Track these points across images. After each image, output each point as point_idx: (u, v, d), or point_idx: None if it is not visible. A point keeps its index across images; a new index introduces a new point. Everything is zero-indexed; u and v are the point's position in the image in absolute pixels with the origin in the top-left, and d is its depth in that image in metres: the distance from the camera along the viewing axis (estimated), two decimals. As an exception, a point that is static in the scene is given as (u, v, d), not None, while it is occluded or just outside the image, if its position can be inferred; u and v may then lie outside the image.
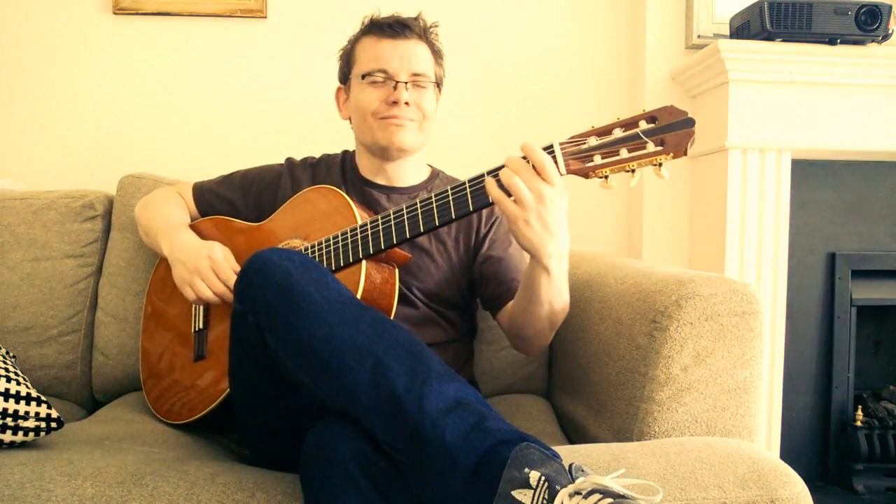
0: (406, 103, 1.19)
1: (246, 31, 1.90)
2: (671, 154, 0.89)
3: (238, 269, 1.14)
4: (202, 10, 1.87)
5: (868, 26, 1.67)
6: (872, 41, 1.70)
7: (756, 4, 1.69)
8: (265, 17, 1.89)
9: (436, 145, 1.75)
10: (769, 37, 1.68)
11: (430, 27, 1.26)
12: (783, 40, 1.69)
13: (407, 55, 1.20)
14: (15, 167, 1.85)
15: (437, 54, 1.27)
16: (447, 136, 1.92)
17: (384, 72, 1.20)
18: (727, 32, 1.83)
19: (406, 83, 1.19)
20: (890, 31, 1.69)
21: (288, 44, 1.90)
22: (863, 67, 1.72)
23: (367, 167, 1.30)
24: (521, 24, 1.96)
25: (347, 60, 1.28)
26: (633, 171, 0.91)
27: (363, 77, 1.22)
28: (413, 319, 1.20)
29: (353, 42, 1.27)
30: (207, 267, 1.16)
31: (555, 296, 1.01)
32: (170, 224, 1.29)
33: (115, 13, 1.85)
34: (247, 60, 1.90)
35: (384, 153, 1.24)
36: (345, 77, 1.29)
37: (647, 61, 1.90)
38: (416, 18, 1.23)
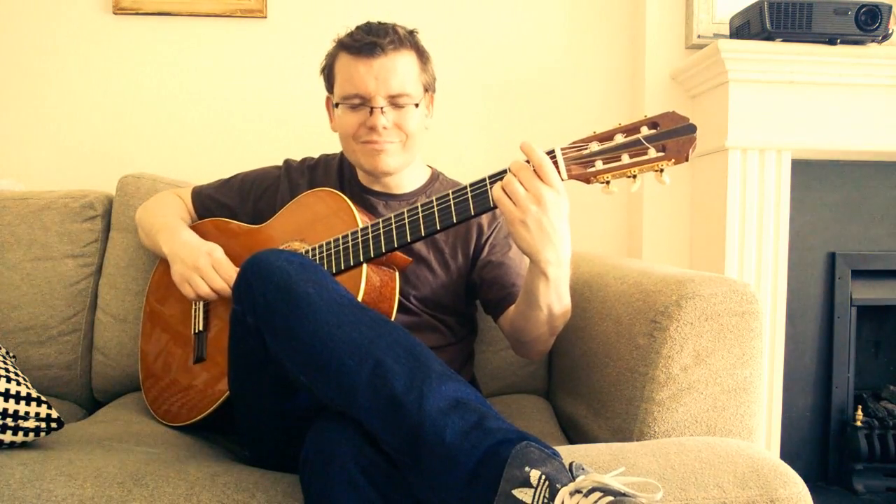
0: (385, 127, 1.14)
1: (246, 31, 1.90)
2: (673, 160, 0.88)
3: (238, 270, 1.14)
4: (202, 10, 1.87)
5: (868, 26, 1.67)
6: (872, 41, 1.70)
7: (756, 4, 1.69)
8: (265, 17, 1.89)
9: (435, 147, 1.76)
10: (769, 37, 1.68)
11: (410, 32, 1.19)
12: (783, 40, 1.69)
13: (383, 75, 1.13)
14: (15, 167, 1.85)
15: (422, 58, 1.20)
16: (446, 138, 1.92)
17: (360, 96, 1.14)
18: (727, 32, 1.83)
19: (382, 108, 1.14)
20: (890, 31, 1.69)
21: (288, 44, 1.90)
22: (863, 67, 1.72)
23: (363, 175, 1.29)
24: (521, 24, 1.96)
25: (328, 77, 1.23)
26: (634, 176, 0.91)
27: (341, 100, 1.17)
28: (411, 325, 1.19)
29: (332, 59, 1.21)
30: (208, 264, 1.16)
31: (554, 301, 1.00)
32: (170, 224, 1.29)
33: (115, 13, 1.85)
34: (247, 60, 1.90)
35: (371, 175, 1.23)
36: (329, 92, 1.25)
37: (647, 61, 1.90)
38: (390, 28, 1.16)
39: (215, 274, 1.16)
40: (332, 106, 1.24)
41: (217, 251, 1.19)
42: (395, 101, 1.15)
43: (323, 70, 1.24)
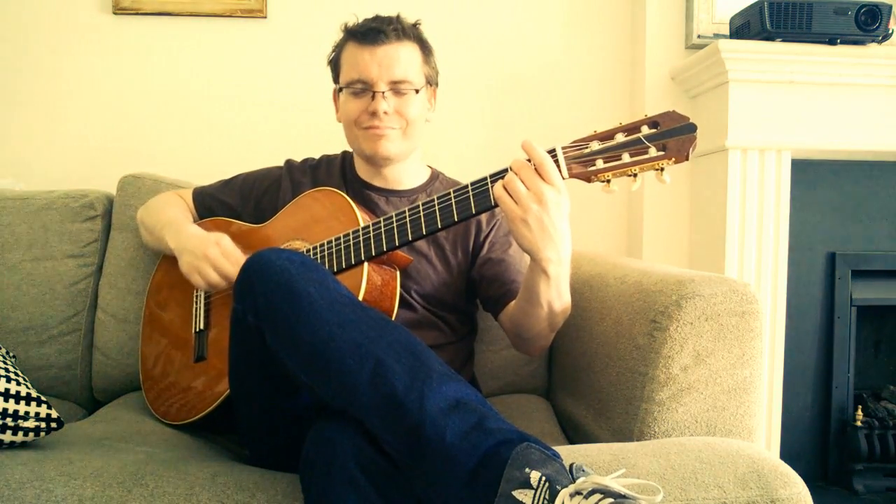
0: (385, 112, 1.17)
1: (246, 31, 1.90)
2: (673, 159, 0.89)
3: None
4: (202, 10, 1.87)
5: (868, 26, 1.67)
6: (872, 41, 1.70)
7: (756, 4, 1.69)
8: (265, 17, 1.89)
9: (436, 144, 1.76)
10: (769, 37, 1.68)
11: (414, 24, 1.23)
12: (783, 40, 1.69)
13: (386, 62, 1.17)
14: (15, 167, 1.85)
15: (424, 50, 1.24)
16: (446, 137, 1.92)
17: (363, 81, 1.18)
18: (727, 32, 1.83)
19: (384, 92, 1.17)
20: (890, 31, 1.69)
21: (288, 44, 1.90)
22: (863, 67, 1.72)
23: (364, 170, 1.30)
24: (521, 24, 1.96)
25: (334, 67, 1.27)
26: (634, 175, 0.92)
27: (345, 87, 1.21)
28: (412, 322, 1.20)
29: (338, 49, 1.26)
30: (217, 252, 1.16)
31: (554, 298, 1.00)
32: (175, 219, 1.30)
33: (115, 13, 1.85)
34: (247, 60, 1.90)
35: (372, 161, 1.25)
36: (335, 83, 1.28)
37: (646, 61, 1.90)
38: (394, 18, 1.20)
39: (225, 261, 1.15)
40: (337, 95, 1.27)
41: (225, 240, 1.18)
42: (396, 88, 1.19)
43: (330, 61, 1.28)
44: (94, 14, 1.86)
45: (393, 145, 1.21)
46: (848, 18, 1.67)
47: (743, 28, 1.75)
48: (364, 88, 1.19)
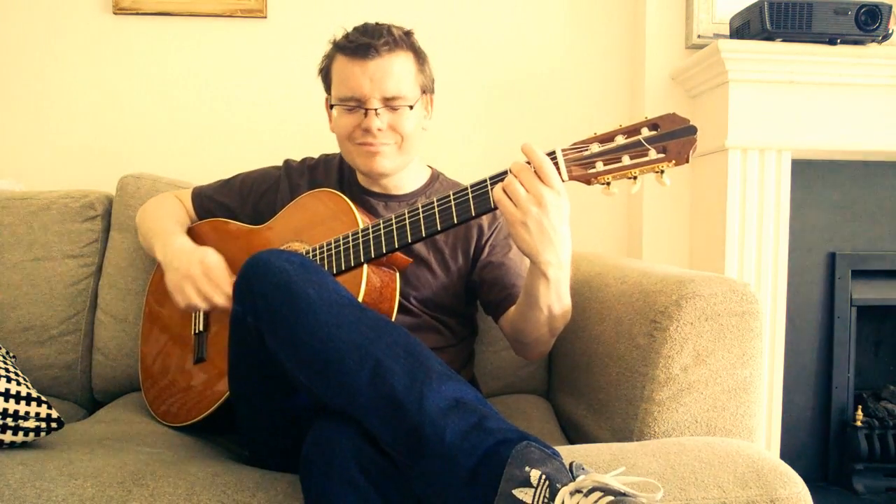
0: (379, 129, 1.14)
1: (246, 31, 1.90)
2: (673, 161, 0.89)
3: (233, 275, 1.12)
4: (202, 10, 1.87)
5: (868, 26, 1.67)
6: (872, 41, 1.70)
7: (756, 4, 1.69)
8: (265, 17, 1.89)
9: (435, 147, 1.76)
10: (769, 37, 1.68)
11: (406, 33, 1.19)
12: (783, 40, 1.69)
13: (378, 77, 1.13)
14: (15, 167, 1.85)
15: (419, 58, 1.20)
16: (446, 138, 1.91)
17: (355, 98, 1.15)
18: (727, 32, 1.83)
19: (377, 110, 1.14)
20: (890, 31, 1.69)
21: (288, 44, 1.90)
22: (863, 67, 1.72)
23: (362, 176, 1.29)
24: (521, 24, 1.96)
25: (325, 78, 1.23)
26: (634, 178, 0.91)
27: (337, 102, 1.18)
28: (411, 326, 1.19)
29: (328, 60, 1.21)
30: (200, 272, 1.12)
31: (554, 302, 1.00)
32: (166, 229, 1.28)
33: (115, 13, 1.85)
34: (247, 60, 1.90)
35: (367, 175, 1.24)
36: (327, 93, 1.25)
37: (646, 61, 1.90)
38: (384, 29, 1.16)
39: (206, 282, 1.12)
40: (330, 107, 1.24)
41: (209, 257, 1.15)
42: (389, 104, 1.15)
43: (321, 72, 1.25)
44: (94, 14, 1.86)
45: (388, 161, 1.18)
46: (848, 18, 1.67)
47: (743, 28, 1.75)
48: (356, 105, 1.16)
